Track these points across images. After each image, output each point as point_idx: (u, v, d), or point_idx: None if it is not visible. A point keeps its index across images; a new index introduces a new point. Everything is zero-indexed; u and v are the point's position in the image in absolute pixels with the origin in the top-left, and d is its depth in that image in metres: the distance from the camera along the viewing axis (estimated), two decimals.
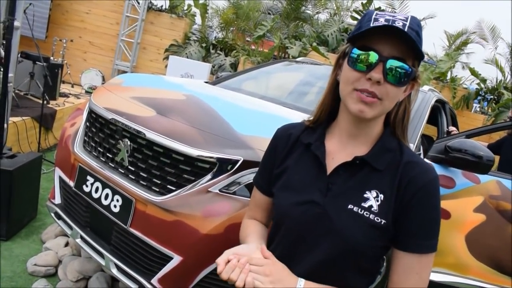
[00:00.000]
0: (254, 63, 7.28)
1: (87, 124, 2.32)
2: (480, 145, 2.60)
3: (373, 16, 0.95)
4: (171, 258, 1.77)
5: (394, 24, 0.91)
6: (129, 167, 1.98)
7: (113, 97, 2.28)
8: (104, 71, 7.53)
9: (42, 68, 5.25)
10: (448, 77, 8.05)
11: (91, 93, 7.10)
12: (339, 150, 1.05)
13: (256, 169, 1.76)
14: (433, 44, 10.14)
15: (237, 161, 1.77)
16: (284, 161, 1.13)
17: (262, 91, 3.02)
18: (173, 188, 1.83)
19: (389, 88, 0.93)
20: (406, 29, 0.90)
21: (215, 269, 1.72)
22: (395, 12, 0.98)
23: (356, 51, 0.95)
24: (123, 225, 1.89)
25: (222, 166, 1.78)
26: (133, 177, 1.95)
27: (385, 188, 0.97)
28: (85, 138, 2.29)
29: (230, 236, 1.71)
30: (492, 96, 8.04)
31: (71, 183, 2.18)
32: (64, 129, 2.45)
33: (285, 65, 3.89)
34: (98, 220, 2.09)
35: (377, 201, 0.97)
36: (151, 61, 8.02)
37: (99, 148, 2.16)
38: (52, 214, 2.37)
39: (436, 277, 2.74)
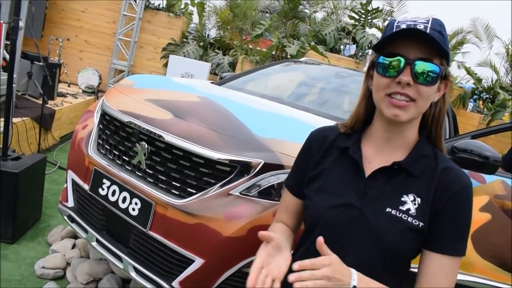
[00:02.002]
0: (252, 62, 7.29)
1: (100, 126, 2.31)
2: (486, 146, 2.63)
3: (395, 24, 0.99)
4: (193, 261, 1.78)
5: (416, 27, 0.95)
6: (147, 170, 1.98)
7: (127, 99, 2.27)
8: (101, 70, 7.47)
9: (40, 68, 5.21)
10: None
11: (89, 92, 7.08)
12: (375, 155, 1.08)
13: (277, 171, 1.79)
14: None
15: (258, 164, 1.78)
16: (320, 164, 1.14)
17: (272, 93, 3.02)
18: (193, 191, 1.83)
19: (420, 88, 0.96)
20: (428, 31, 0.93)
21: (237, 271, 1.75)
22: (415, 18, 1.00)
23: (383, 59, 0.99)
24: (142, 228, 1.89)
25: (243, 169, 1.79)
26: (152, 180, 1.95)
27: (422, 192, 1.00)
28: (99, 140, 2.28)
29: (253, 239, 1.72)
30: (487, 96, 8.12)
31: (86, 186, 2.17)
32: (76, 131, 2.44)
33: (289, 66, 3.89)
34: (115, 223, 2.09)
35: (415, 204, 1.00)
36: (149, 60, 7.98)
37: (114, 151, 2.15)
38: (65, 217, 2.36)
39: None
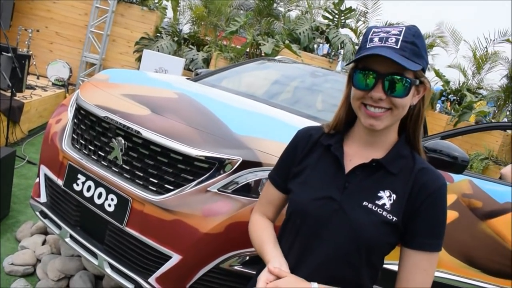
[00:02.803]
0: (227, 59, 7.27)
1: (75, 121, 2.27)
2: (455, 146, 2.73)
3: (369, 36, 1.06)
4: (170, 257, 1.78)
5: (386, 43, 1.01)
6: (124, 165, 1.96)
7: (103, 93, 2.24)
8: (71, 63, 7.28)
9: (9, 59, 5.05)
10: None
11: (59, 85, 6.90)
12: (356, 153, 1.14)
13: (255, 169, 1.81)
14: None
15: (237, 161, 1.79)
16: (304, 160, 1.21)
17: (249, 91, 3.04)
18: (171, 188, 1.83)
19: (394, 100, 1.03)
20: (399, 45, 1.00)
21: (214, 267, 1.76)
22: (389, 28, 1.05)
23: (357, 72, 1.06)
24: (118, 224, 1.88)
25: (222, 166, 1.80)
26: (128, 176, 1.93)
27: (398, 190, 1.06)
28: (74, 135, 2.24)
29: (230, 235, 1.74)
30: (455, 98, 8.38)
31: (60, 182, 2.13)
32: (49, 125, 2.38)
33: (265, 64, 3.92)
34: (89, 219, 2.06)
35: (390, 200, 1.05)
36: (121, 53, 7.83)
37: (89, 146, 2.12)
38: (37, 213, 2.31)
39: None
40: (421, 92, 1.10)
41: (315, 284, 1.06)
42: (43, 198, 2.29)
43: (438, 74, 8.44)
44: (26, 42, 6.66)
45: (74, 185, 2.05)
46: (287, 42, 7.47)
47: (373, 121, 1.04)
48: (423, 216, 1.04)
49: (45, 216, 2.26)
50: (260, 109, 2.40)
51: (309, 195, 1.13)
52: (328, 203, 1.09)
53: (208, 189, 1.79)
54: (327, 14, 8.36)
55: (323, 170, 1.15)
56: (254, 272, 1.78)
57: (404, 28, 1.03)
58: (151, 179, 1.88)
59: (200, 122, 1.97)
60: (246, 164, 1.80)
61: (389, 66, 1.00)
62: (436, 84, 8.82)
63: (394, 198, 1.05)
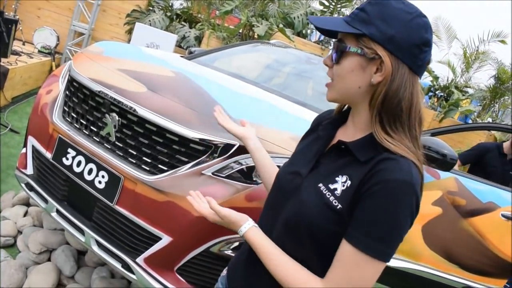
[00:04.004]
0: (219, 38, 7.16)
1: (67, 93, 2.20)
2: (444, 144, 2.76)
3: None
4: (160, 238, 1.76)
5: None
6: (116, 142, 1.92)
7: (98, 67, 2.17)
8: (59, 31, 7.07)
9: None
10: None
11: (45, 53, 6.71)
12: (344, 135, 1.08)
13: (250, 155, 1.79)
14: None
15: (233, 145, 1.77)
16: (304, 138, 1.22)
17: (246, 74, 2.99)
18: (165, 168, 1.80)
19: (334, 68, 1.01)
20: (351, 12, 1.01)
21: (204, 250, 1.75)
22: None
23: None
24: (108, 202, 1.84)
25: (218, 149, 1.78)
26: (121, 154, 1.89)
27: (355, 176, 0.95)
28: (65, 107, 2.18)
29: None
30: (442, 94, 8.46)
31: (48, 155, 2.08)
32: (40, 96, 2.31)
33: (261, 47, 3.87)
34: (77, 195, 2.02)
35: (343, 186, 0.96)
36: (111, 25, 7.63)
37: (81, 120, 2.07)
38: (23, 185, 2.26)
39: (391, 262, 2.90)
40: (383, 70, 0.95)
41: (251, 221, 1.07)
42: (29, 170, 2.23)
43: (427, 69, 8.48)
44: (13, 6, 6.43)
45: (64, 159, 2.00)
46: (281, 26, 7.39)
47: (327, 91, 1.06)
48: (361, 206, 0.91)
49: (31, 188, 2.21)
50: (258, 95, 2.37)
51: (286, 168, 1.14)
52: (295, 178, 1.06)
53: (203, 172, 1.77)
54: (323, 0, 8.27)
55: (308, 147, 1.13)
56: None
57: None
58: (144, 158, 1.84)
59: (197, 104, 1.94)
60: (243, 150, 1.77)
61: (339, 34, 1.01)
62: (424, 79, 8.89)
63: (348, 185, 0.95)
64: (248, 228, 1.06)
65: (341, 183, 0.97)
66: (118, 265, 1.86)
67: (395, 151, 0.93)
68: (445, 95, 8.34)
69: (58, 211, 2.05)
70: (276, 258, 1.00)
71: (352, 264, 0.90)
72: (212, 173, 1.77)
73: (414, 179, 0.90)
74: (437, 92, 8.56)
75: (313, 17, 1.02)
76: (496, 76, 8.05)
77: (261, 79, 3.08)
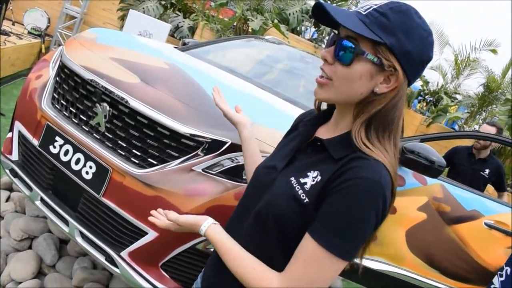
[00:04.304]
0: (213, 30, 7.10)
1: (57, 79, 2.16)
2: (433, 150, 2.77)
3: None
4: (146, 233, 1.73)
5: (359, 9, 0.94)
6: (106, 133, 1.88)
7: (90, 54, 2.13)
8: (50, 13, 6.93)
9: None
10: None
11: (35, 35, 6.58)
12: (324, 132, 1.06)
13: (241, 153, 1.77)
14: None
15: (225, 143, 1.75)
16: (285, 137, 1.21)
17: (241, 70, 2.96)
18: (154, 162, 1.78)
19: (338, 67, 0.93)
20: (366, 12, 0.92)
21: (190, 247, 1.73)
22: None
23: (330, 35, 1.00)
24: (95, 193, 1.81)
25: (209, 146, 1.75)
26: (110, 145, 1.86)
27: (325, 172, 0.94)
28: (55, 94, 2.13)
29: (211, 217, 1.71)
30: (431, 99, 8.53)
31: (35, 141, 2.03)
32: (29, 80, 2.26)
33: (257, 42, 3.84)
34: (63, 185, 1.98)
35: (313, 181, 0.95)
36: (104, 10, 7.50)
37: (71, 108, 2.02)
38: (7, 171, 2.21)
39: (375, 265, 2.92)
40: (392, 82, 0.93)
41: (211, 220, 1.08)
42: (14, 155, 2.18)
43: None
44: None
45: (51, 147, 1.96)
46: (276, 21, 7.36)
47: (317, 88, 0.98)
48: (326, 201, 0.90)
49: (15, 175, 2.16)
50: (252, 91, 2.35)
51: (264, 162, 1.14)
52: (270, 172, 1.06)
53: (193, 168, 1.75)
54: None
55: (287, 144, 1.12)
56: None
57: (389, 1, 0.94)
58: (134, 151, 1.81)
59: (190, 98, 1.91)
60: (234, 147, 1.76)
61: (348, 32, 0.92)
62: (415, 83, 8.95)
63: (318, 180, 0.94)
64: (208, 226, 1.07)
65: (311, 178, 0.96)
66: (102, 258, 1.83)
67: (371, 155, 0.91)
68: (434, 100, 8.40)
69: (42, 200, 2.01)
70: (234, 254, 0.99)
71: (312, 259, 0.89)
72: (202, 170, 1.75)
73: (384, 180, 0.88)
74: (426, 97, 8.62)
75: (327, 4, 0.93)
76: (486, 84, 8.14)
77: (256, 75, 3.05)
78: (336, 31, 0.98)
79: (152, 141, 1.79)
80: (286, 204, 0.96)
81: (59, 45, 7.27)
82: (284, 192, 0.97)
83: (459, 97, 8.78)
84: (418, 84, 8.76)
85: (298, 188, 0.96)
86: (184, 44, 3.44)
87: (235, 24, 7.68)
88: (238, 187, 1.74)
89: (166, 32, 6.35)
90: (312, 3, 8.38)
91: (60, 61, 2.17)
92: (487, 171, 4.23)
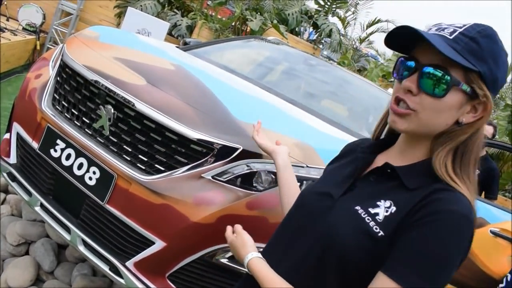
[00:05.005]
0: (212, 29, 7.01)
1: (58, 79, 2.07)
2: None
3: (429, 27, 0.90)
4: (153, 243, 1.65)
5: (439, 32, 0.86)
6: (110, 137, 1.80)
7: (93, 54, 2.04)
8: (45, 9, 6.79)
9: None
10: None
11: (30, 31, 6.45)
12: (385, 160, 0.97)
13: (253, 160, 1.70)
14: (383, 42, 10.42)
15: (236, 149, 1.68)
16: (334, 162, 1.13)
17: (246, 72, 2.89)
18: (162, 168, 1.69)
19: (424, 98, 0.85)
20: (453, 36, 0.84)
21: (198, 258, 1.66)
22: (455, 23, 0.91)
23: (400, 61, 0.91)
24: (98, 200, 1.73)
25: (220, 152, 1.68)
26: (115, 150, 1.78)
27: (402, 203, 0.86)
28: (55, 95, 2.04)
29: (221, 228, 1.62)
30: None
31: (35, 144, 1.94)
32: (28, 80, 2.16)
33: (260, 43, 3.77)
34: (65, 190, 1.89)
35: (386, 211, 0.86)
36: (100, 7, 7.37)
37: (73, 110, 1.94)
38: (4, 174, 2.11)
39: None
40: (479, 112, 0.88)
41: (255, 253, 1.02)
42: (12, 158, 2.09)
43: None
44: None
45: (52, 150, 1.87)
46: (275, 21, 7.29)
47: (395, 117, 0.88)
48: (407, 235, 0.80)
49: (13, 178, 2.07)
50: (262, 96, 2.28)
51: (313, 188, 1.05)
52: (324, 199, 0.96)
53: (202, 175, 1.67)
54: (319, 0, 8.19)
55: (341, 170, 1.03)
56: (239, 267, 1.70)
57: (472, 23, 0.87)
58: (140, 156, 1.73)
59: (199, 101, 1.84)
60: (246, 154, 1.68)
61: (433, 58, 0.85)
62: None
63: (393, 211, 0.86)
64: (251, 258, 1.01)
65: (384, 208, 0.87)
66: (105, 268, 1.74)
67: (455, 187, 0.84)
68: None
69: (42, 206, 1.92)
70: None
71: None
72: (212, 177, 1.68)
73: (472, 217, 0.81)
74: None
75: (423, 31, 0.85)
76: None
77: (263, 78, 2.98)
78: (406, 56, 0.90)
79: (159, 146, 1.71)
80: (352, 237, 0.86)
81: (54, 42, 7.15)
82: (348, 223, 0.88)
83: None
84: None
85: (368, 219, 0.86)
86: (186, 43, 3.36)
87: (233, 24, 7.60)
88: (250, 195, 1.67)
89: (164, 31, 6.25)
90: (311, 4, 8.33)
91: (61, 60, 2.08)
92: (477, 172, 4.09)
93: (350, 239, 0.86)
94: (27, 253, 2.49)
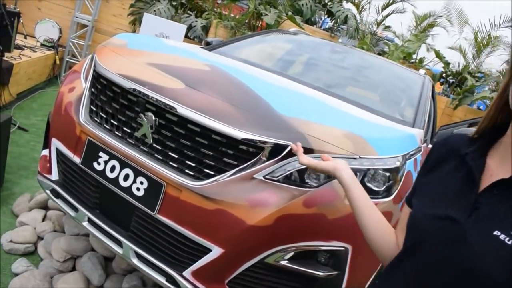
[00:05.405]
0: (227, 27, 6.94)
1: (93, 90, 2.02)
2: None
3: None
4: (210, 250, 1.59)
5: None
6: (154, 145, 1.75)
7: (125, 61, 1.99)
8: (61, 23, 6.82)
9: None
10: (414, 57, 8.21)
11: (48, 46, 6.49)
12: (501, 167, 0.86)
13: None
14: (400, 23, 10.22)
15: (286, 146, 1.60)
16: (434, 170, 0.98)
17: (278, 67, 2.82)
18: (211, 173, 1.63)
19: None
20: None
21: (258, 261, 1.59)
22: None
23: None
24: (149, 211, 1.67)
25: (270, 151, 1.61)
26: (161, 157, 1.72)
27: None
28: (92, 107, 1.99)
29: (279, 229, 1.57)
30: (453, 80, 8.28)
31: (76, 159, 1.90)
32: (61, 94, 2.13)
33: (284, 36, 3.68)
34: (112, 203, 1.85)
35: None
36: (114, 16, 7.38)
37: (112, 121, 1.89)
38: (48, 192, 2.08)
39: None
40: None
41: None
42: (54, 175, 2.06)
43: (438, 55, 8.29)
44: None
45: (95, 164, 1.83)
46: (290, 13, 7.17)
47: None
48: None
49: (57, 195, 2.03)
50: (299, 88, 2.20)
51: (427, 210, 0.90)
52: (448, 225, 0.83)
53: (254, 176, 1.60)
54: None
55: (452, 183, 0.91)
56: (300, 268, 1.63)
57: None
58: (187, 162, 1.67)
59: (241, 99, 1.77)
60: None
61: None
62: (435, 65, 8.71)
63: None
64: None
65: None
66: (162, 279, 1.69)
67: None
68: (457, 81, 8.15)
69: (90, 220, 1.88)
70: None
71: None
72: (264, 177, 1.61)
73: None
74: (448, 79, 8.37)
75: None
76: (509, 61, 7.84)
77: (295, 71, 2.89)
78: None
79: (206, 150, 1.65)
80: (501, 270, 0.75)
81: (73, 55, 7.18)
82: (491, 254, 0.76)
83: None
84: (438, 66, 8.52)
85: None
86: (208, 43, 3.29)
87: (247, 20, 7.51)
88: (306, 193, 1.59)
89: (182, 33, 6.21)
90: None
91: (94, 70, 2.03)
92: None
93: (497, 274, 0.75)
94: (74, 268, 2.47)
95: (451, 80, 8.33)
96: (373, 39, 8.26)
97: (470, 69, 8.21)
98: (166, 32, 5.99)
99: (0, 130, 2.84)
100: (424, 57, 8.35)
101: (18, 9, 5.82)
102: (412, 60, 8.08)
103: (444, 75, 8.26)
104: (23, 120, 4.60)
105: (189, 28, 7.05)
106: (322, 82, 2.66)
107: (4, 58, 4.61)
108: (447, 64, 8.23)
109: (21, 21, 6.21)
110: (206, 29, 7.13)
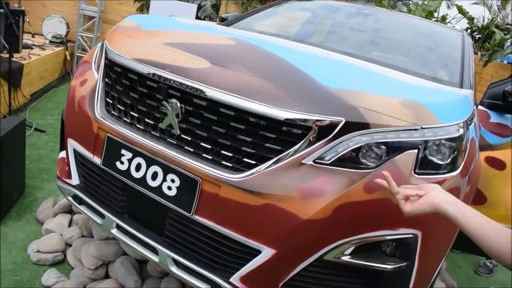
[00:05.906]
0: (238, 3, 6.64)
1: (107, 80, 1.80)
2: None
3: None
4: (259, 252, 1.37)
5: None
6: (183, 136, 1.52)
7: (140, 43, 1.76)
8: (67, 18, 6.62)
9: (2, 16, 4.46)
10: (435, 15, 7.80)
11: (57, 43, 6.30)
12: None
13: (361, 132, 1.37)
14: None
15: (338, 123, 1.35)
16: None
17: (309, 37, 2.54)
18: (253, 162, 1.40)
19: None
20: None
21: (316, 259, 1.37)
22: None
23: None
24: (184, 212, 1.46)
25: (319, 130, 1.36)
26: (191, 150, 1.49)
27: None
28: (108, 99, 1.77)
29: (338, 220, 1.33)
30: (480, 36, 7.82)
31: (97, 159, 1.69)
32: (73, 88, 1.91)
33: (302, 4, 3.38)
34: (141, 206, 1.64)
35: None
36: (120, 4, 7.13)
37: (131, 113, 1.67)
38: (70, 198, 1.89)
39: None
40: None
41: None
42: (74, 179, 1.85)
43: (461, 10, 7.85)
44: None
45: (118, 163, 1.61)
46: None
47: None
48: None
49: (80, 201, 1.84)
50: (337, 57, 1.94)
51: None
52: None
53: (303, 161, 1.36)
54: None
55: None
56: (364, 263, 1.41)
57: None
58: (223, 152, 1.44)
59: (276, 74, 1.52)
60: (350, 126, 1.36)
61: None
62: (458, 23, 8.27)
63: None
64: None
65: None
66: (205, 287, 1.49)
67: None
68: (484, 36, 7.70)
69: (119, 227, 1.68)
70: None
71: None
72: (314, 161, 1.37)
73: None
74: (474, 34, 7.91)
75: None
76: None
77: (327, 40, 2.62)
78: None
79: (244, 136, 1.41)
80: None
81: (83, 49, 6.99)
82: None
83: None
84: (463, 22, 8.06)
85: None
86: (223, 19, 3.03)
87: None
88: (365, 176, 1.34)
89: (193, 13, 5.95)
90: None
91: (106, 58, 1.80)
92: None
93: None
94: (107, 275, 2.30)
95: (477, 36, 7.86)
96: (390, 0, 7.84)
97: (496, 22, 7.73)
98: (177, 14, 5.72)
99: (14, 135, 2.66)
100: (446, 14, 7.90)
101: (22, 7, 5.63)
102: (434, 19, 7.66)
103: (469, 31, 7.79)
104: (39, 121, 4.44)
105: (199, 8, 6.76)
106: (357, 48, 2.38)
107: (13, 59, 4.43)
108: (471, 19, 7.77)
109: (27, 19, 6.02)
110: (216, 7, 6.83)
